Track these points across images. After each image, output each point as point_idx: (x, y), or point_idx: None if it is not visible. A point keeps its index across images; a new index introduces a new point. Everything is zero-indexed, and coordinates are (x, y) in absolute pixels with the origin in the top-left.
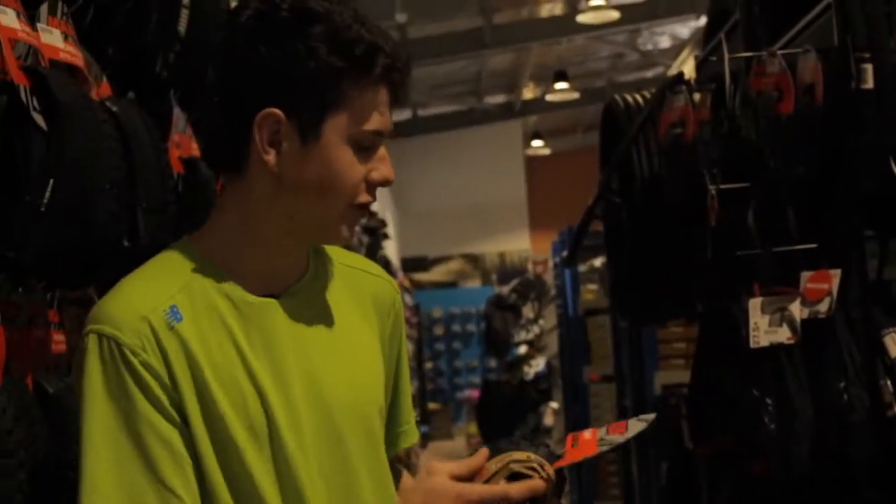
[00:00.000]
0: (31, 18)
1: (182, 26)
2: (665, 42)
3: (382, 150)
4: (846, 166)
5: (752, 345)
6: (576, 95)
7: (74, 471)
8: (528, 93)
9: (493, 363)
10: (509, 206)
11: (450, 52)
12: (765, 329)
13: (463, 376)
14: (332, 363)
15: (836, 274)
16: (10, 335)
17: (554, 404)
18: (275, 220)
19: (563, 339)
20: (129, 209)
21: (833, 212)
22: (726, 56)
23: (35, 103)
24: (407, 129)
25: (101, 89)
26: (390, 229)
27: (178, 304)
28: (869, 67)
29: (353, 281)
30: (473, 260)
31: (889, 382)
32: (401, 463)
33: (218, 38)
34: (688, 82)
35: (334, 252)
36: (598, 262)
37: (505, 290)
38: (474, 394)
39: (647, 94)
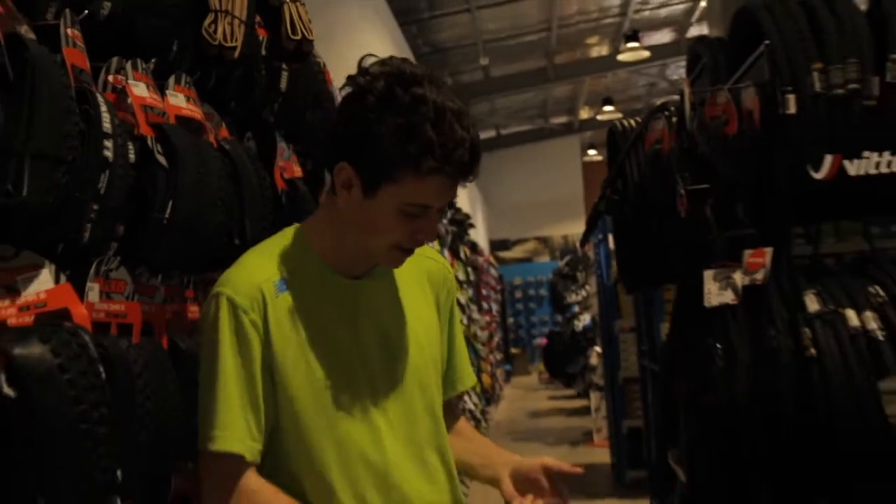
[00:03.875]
0: (161, 87)
1: (283, 84)
2: None
3: (431, 214)
4: (776, 173)
5: (706, 304)
6: (620, 116)
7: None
8: (584, 114)
9: (558, 318)
10: (570, 200)
11: (522, 86)
12: (715, 293)
13: (536, 328)
14: (399, 328)
15: (768, 251)
16: (149, 308)
17: (597, 349)
18: (348, 237)
19: (601, 300)
20: (238, 218)
21: (768, 206)
22: (687, 92)
23: (158, 148)
24: (491, 145)
25: (221, 133)
26: (478, 220)
27: (285, 279)
28: (791, 97)
29: (417, 264)
30: (544, 241)
31: (808, 331)
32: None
33: (313, 90)
34: (670, 109)
35: None
36: None
37: (562, 263)
38: (543, 341)
39: (639, 120)
